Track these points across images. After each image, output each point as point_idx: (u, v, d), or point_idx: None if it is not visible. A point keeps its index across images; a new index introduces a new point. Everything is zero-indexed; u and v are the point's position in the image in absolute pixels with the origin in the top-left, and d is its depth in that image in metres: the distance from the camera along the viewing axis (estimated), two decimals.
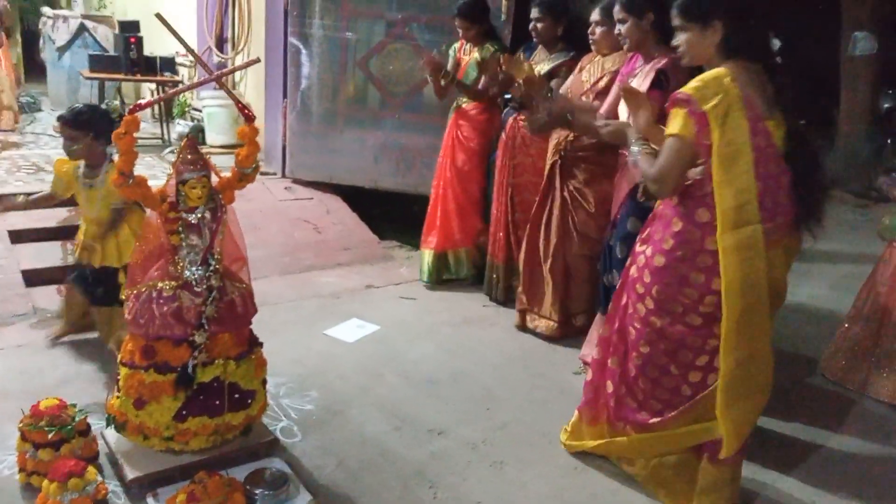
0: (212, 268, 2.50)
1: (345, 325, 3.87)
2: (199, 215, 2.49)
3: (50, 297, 3.99)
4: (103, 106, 3.61)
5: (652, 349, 2.48)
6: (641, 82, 3.03)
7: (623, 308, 2.59)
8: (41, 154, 6.25)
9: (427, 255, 4.61)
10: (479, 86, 4.35)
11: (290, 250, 4.94)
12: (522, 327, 3.97)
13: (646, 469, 2.64)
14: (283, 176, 5.97)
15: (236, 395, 2.53)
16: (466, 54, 4.45)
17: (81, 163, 3.27)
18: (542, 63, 3.94)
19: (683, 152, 2.28)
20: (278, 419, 2.93)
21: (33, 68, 9.20)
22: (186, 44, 2.55)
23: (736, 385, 2.33)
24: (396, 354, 3.59)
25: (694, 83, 2.27)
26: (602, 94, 3.42)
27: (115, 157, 2.61)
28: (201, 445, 2.53)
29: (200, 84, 2.87)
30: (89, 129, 3.18)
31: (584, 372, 3.43)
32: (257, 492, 2.35)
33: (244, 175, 2.59)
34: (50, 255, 4.42)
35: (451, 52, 4.55)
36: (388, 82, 5.43)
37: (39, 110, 7.94)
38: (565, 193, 3.72)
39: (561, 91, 3.63)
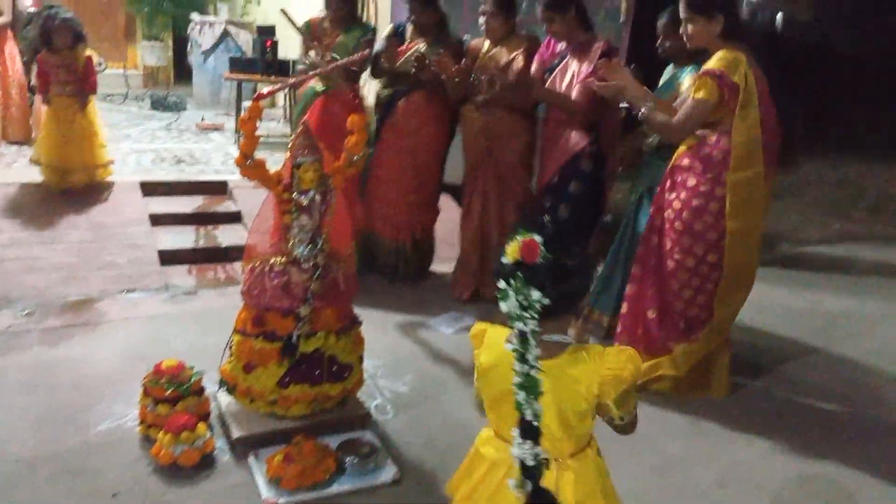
0: (319, 247, 2.67)
1: (444, 317, 3.98)
2: (311, 197, 2.67)
3: (182, 275, 4.37)
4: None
5: (690, 275, 3.07)
6: (585, 61, 3.62)
7: (655, 248, 3.16)
8: (184, 148, 6.81)
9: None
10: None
11: None
12: (475, 298, 4.21)
13: (674, 381, 3.18)
14: None
15: (334, 368, 2.70)
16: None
17: None
18: (424, 46, 4.07)
19: (705, 111, 2.87)
20: (373, 397, 3.07)
21: (181, 71, 9.99)
22: (307, 38, 2.74)
23: (732, 281, 3.04)
24: None
25: (720, 62, 2.84)
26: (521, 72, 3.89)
27: None
28: (301, 412, 2.70)
29: (311, 77, 3.04)
30: None
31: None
32: (347, 459, 2.49)
33: (353, 161, 2.76)
34: (184, 237, 4.83)
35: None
36: None
37: (185, 109, 8.62)
38: (500, 170, 4.05)
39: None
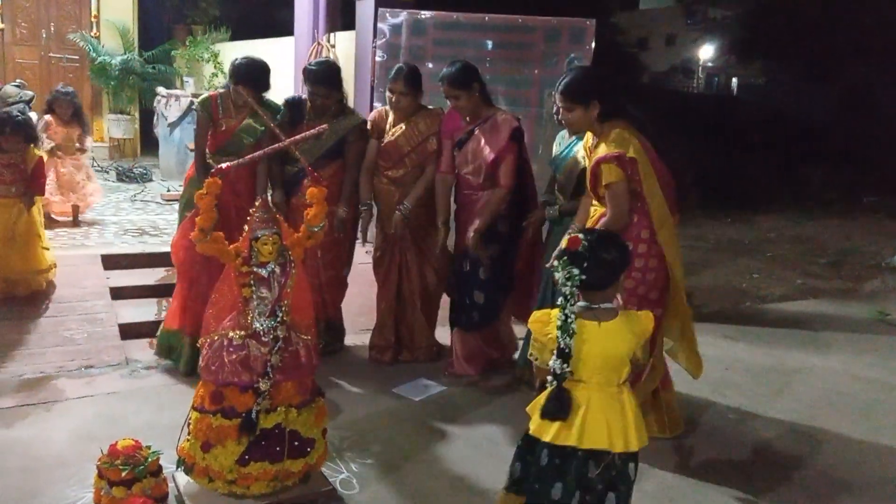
0: (279, 319, 2.64)
1: (412, 384, 3.94)
2: (270, 270, 2.66)
3: (142, 350, 4.28)
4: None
5: None
6: (494, 137, 3.78)
7: None
8: (148, 220, 6.77)
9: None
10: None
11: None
12: (395, 362, 4.24)
13: None
14: None
15: (296, 443, 2.64)
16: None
17: None
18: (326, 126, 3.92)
19: (624, 190, 3.04)
20: (339, 471, 2.99)
21: (148, 143, 10.02)
22: (262, 114, 2.79)
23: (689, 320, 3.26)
24: (459, 414, 3.62)
25: (612, 144, 3.03)
26: (434, 153, 4.02)
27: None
28: (262, 490, 2.63)
29: (273, 150, 3.04)
30: None
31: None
32: None
33: (312, 233, 2.76)
34: (146, 310, 4.75)
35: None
36: None
37: (150, 180, 8.61)
38: (418, 237, 4.15)
39: (373, 153, 4.07)
